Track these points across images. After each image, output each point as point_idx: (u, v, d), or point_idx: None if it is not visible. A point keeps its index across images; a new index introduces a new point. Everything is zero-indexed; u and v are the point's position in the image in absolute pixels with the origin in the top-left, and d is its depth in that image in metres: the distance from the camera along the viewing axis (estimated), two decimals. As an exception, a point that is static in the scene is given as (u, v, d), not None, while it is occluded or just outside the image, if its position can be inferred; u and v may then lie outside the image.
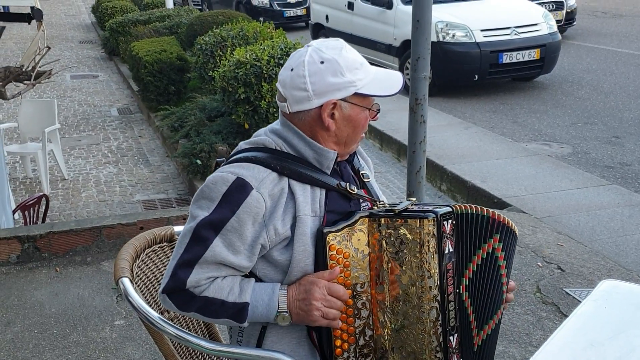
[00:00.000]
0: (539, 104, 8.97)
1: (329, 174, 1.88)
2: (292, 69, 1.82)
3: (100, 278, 4.16)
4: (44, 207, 5.75)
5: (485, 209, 1.85)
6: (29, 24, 5.29)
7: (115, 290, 4.00)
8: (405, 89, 9.84)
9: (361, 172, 2.03)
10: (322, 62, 1.80)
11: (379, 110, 1.90)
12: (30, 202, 5.58)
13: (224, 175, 1.80)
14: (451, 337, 1.79)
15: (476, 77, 9.27)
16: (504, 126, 8.05)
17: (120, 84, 12.44)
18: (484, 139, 7.33)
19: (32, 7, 4.78)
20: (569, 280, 4.13)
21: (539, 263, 4.35)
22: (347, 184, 1.89)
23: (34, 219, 5.53)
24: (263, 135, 1.93)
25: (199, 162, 6.93)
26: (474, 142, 7.17)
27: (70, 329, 3.63)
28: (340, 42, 1.87)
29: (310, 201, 1.82)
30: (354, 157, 2.03)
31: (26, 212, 5.51)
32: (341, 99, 1.81)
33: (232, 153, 1.95)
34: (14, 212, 5.48)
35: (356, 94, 1.82)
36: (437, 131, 7.35)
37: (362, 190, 1.96)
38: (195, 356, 2.26)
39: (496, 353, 3.40)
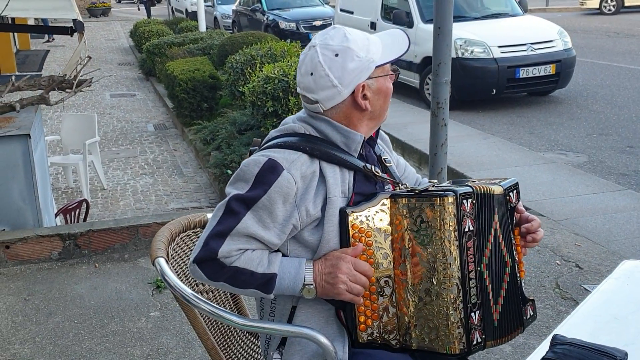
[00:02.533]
0: (555, 117, 8.87)
1: (356, 156, 1.86)
2: (311, 73, 1.80)
3: (137, 273, 4.16)
4: (84, 212, 5.78)
5: (490, 187, 1.81)
6: (71, 36, 5.36)
7: (151, 285, 4.00)
8: (426, 103, 9.70)
9: (383, 158, 2.00)
10: (336, 55, 1.78)
11: (397, 69, 1.91)
12: (71, 207, 5.61)
13: (257, 158, 1.79)
14: (472, 314, 1.74)
15: (494, 91, 9.20)
16: (521, 137, 7.97)
17: (156, 102, 12.56)
18: (502, 148, 7.26)
19: (74, 20, 4.85)
20: (587, 277, 4.05)
21: (557, 261, 4.27)
22: (373, 166, 1.87)
23: (75, 222, 5.56)
24: (291, 123, 1.91)
25: (229, 172, 6.94)
26: (492, 151, 7.11)
27: (108, 319, 3.63)
28: (338, 28, 1.84)
29: (340, 183, 1.80)
30: (375, 144, 2.00)
31: (67, 216, 5.55)
32: (367, 79, 1.80)
33: (263, 141, 1.93)
34: (55, 215, 5.51)
35: (376, 67, 1.81)
36: (457, 141, 7.28)
37: (386, 174, 1.94)
38: (225, 334, 2.24)
39: (517, 344, 3.37)
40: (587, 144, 7.62)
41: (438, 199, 1.72)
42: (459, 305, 1.72)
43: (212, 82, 9.67)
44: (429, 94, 4.32)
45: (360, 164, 1.85)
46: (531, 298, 1.93)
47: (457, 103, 9.16)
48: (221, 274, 1.75)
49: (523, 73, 9.17)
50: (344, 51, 1.78)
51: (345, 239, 1.77)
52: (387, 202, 1.80)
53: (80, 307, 3.77)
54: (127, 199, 7.52)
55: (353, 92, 1.80)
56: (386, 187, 1.91)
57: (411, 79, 9.97)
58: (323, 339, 1.79)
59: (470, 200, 1.74)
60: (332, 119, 1.84)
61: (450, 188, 1.76)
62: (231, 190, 1.79)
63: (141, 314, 3.68)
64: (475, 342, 1.75)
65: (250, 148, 1.96)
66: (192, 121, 9.50)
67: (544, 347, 1.69)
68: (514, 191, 1.92)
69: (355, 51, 1.78)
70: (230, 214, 1.74)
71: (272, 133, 1.93)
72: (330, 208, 1.76)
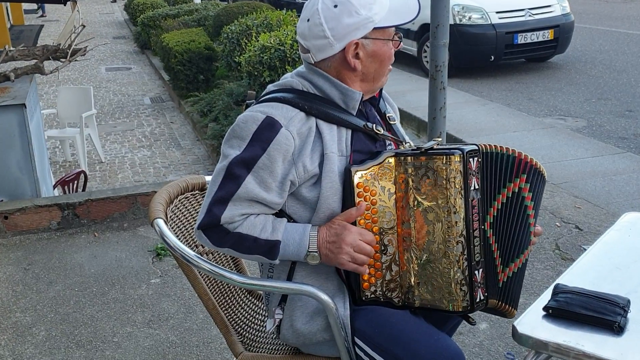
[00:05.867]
0: (554, 82, 8.82)
1: (354, 114, 1.83)
2: (308, 20, 1.77)
3: (136, 242, 4.15)
4: (82, 183, 5.76)
5: (511, 149, 1.78)
6: (64, 5, 5.29)
7: (151, 252, 4.00)
8: (424, 70, 9.58)
9: (387, 115, 1.97)
10: (335, 6, 1.74)
11: (401, 38, 1.85)
12: (69, 178, 5.59)
13: (254, 114, 1.75)
14: (476, 272, 1.73)
15: (492, 57, 9.13)
16: (520, 103, 7.93)
17: (152, 75, 12.48)
18: (501, 114, 7.22)
19: (67, -12, 4.78)
20: (587, 239, 4.05)
21: (557, 223, 4.26)
22: (373, 124, 1.84)
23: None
24: (290, 78, 1.88)
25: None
26: (491, 117, 7.07)
27: (108, 287, 3.63)
28: None
29: (336, 140, 1.78)
30: (379, 101, 1.97)
31: (65, 187, 5.53)
32: (362, 37, 1.76)
33: (261, 95, 1.90)
34: (53, 187, 5.49)
35: (375, 29, 1.76)
36: (455, 108, 7.24)
37: (388, 132, 1.91)
38: (226, 295, 2.24)
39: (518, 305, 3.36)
40: (586, 108, 7.58)
41: (445, 157, 1.69)
42: (463, 263, 1.71)
43: (207, 53, 9.58)
44: (427, 61, 4.26)
45: (360, 122, 1.82)
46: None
47: (455, 70, 9.09)
48: (226, 239, 1.75)
49: (521, 39, 9.10)
50: (343, 4, 1.73)
51: (349, 198, 1.75)
52: (392, 160, 1.77)
53: (81, 275, 3.76)
54: (126, 172, 7.50)
55: (345, 48, 1.76)
56: (388, 145, 1.88)
57: (409, 46, 9.88)
58: (323, 296, 1.78)
59: (476, 158, 1.72)
60: (327, 73, 1.81)
61: (456, 146, 1.73)
62: (228, 151, 1.76)
63: (142, 281, 3.68)
64: (478, 300, 1.74)
65: (247, 101, 1.93)
66: (188, 93, 9.44)
67: (545, 297, 1.69)
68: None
69: (355, 7, 1.73)
70: (231, 178, 1.72)
71: (270, 87, 1.90)
72: (328, 164, 1.74)
